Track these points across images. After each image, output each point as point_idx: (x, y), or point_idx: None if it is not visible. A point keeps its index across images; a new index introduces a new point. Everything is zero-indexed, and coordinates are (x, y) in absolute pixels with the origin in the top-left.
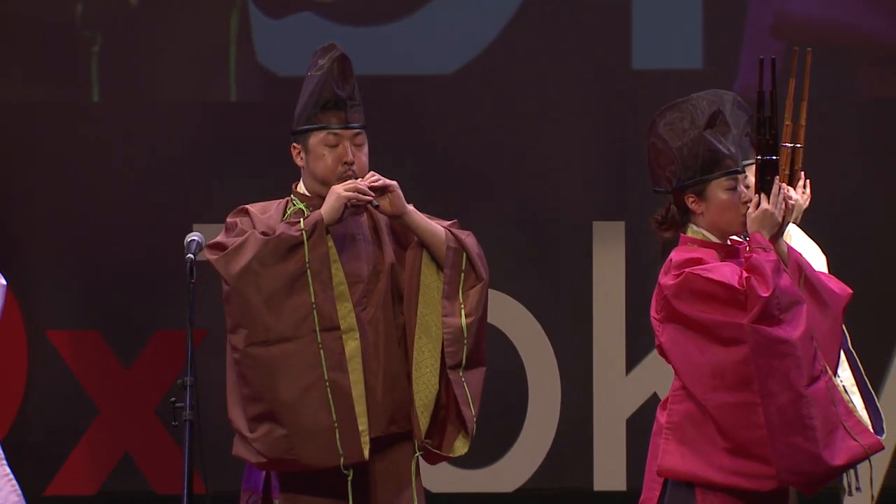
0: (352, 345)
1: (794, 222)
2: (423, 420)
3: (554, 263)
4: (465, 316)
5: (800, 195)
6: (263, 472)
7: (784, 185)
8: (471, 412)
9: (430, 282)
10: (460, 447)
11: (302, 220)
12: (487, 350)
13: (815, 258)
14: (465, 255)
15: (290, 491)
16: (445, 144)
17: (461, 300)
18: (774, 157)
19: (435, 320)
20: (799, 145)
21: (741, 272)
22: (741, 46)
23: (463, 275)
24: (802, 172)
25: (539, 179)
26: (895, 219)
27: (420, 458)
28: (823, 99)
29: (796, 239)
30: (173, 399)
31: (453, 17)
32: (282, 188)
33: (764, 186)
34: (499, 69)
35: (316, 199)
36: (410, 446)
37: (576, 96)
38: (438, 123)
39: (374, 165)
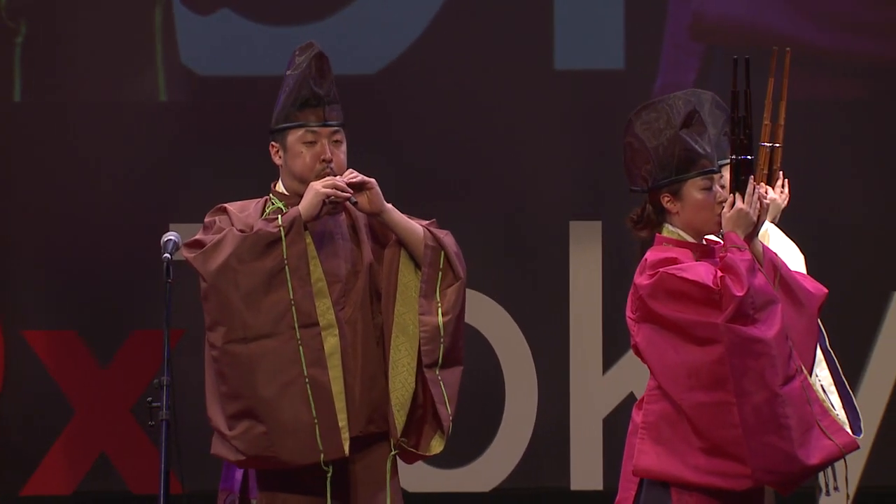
0: (331, 341)
1: (772, 221)
2: (399, 419)
3: (531, 263)
4: (442, 315)
5: (778, 194)
6: (241, 472)
7: (762, 184)
8: (447, 411)
9: (408, 280)
10: (436, 446)
11: (280, 216)
12: (465, 349)
13: (794, 257)
14: (442, 253)
15: (268, 490)
16: (363, 143)
17: (438, 299)
18: (749, 157)
19: (412, 319)
20: (777, 145)
21: (716, 272)
22: (661, 47)
23: (440, 273)
24: (781, 172)
25: (516, 179)
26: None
27: (397, 457)
28: None
29: (774, 238)
30: (150, 399)
31: (376, 18)
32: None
33: (738, 186)
34: (421, 70)
35: (294, 198)
36: (388, 445)
37: (498, 97)
38: (360, 123)
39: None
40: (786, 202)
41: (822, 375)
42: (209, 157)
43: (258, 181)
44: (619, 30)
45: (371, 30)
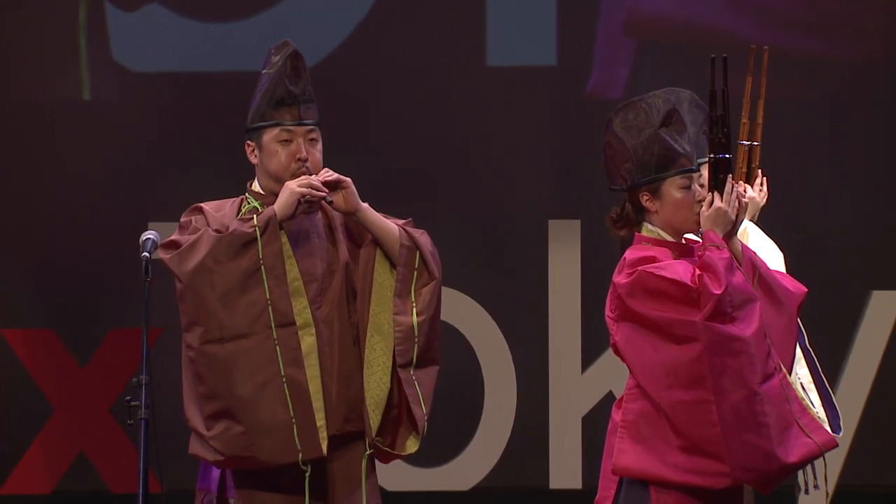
0: (308, 340)
1: (751, 220)
2: (374, 418)
3: (510, 262)
4: (417, 314)
5: (757, 192)
6: (218, 471)
7: (741, 182)
8: (422, 411)
9: (384, 280)
10: (411, 446)
11: (255, 216)
12: (443, 348)
13: (773, 256)
14: (418, 253)
15: (245, 488)
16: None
17: (413, 299)
18: (727, 156)
19: (387, 318)
20: (756, 143)
21: (694, 270)
22: (595, 43)
23: (416, 273)
24: (760, 170)
25: (495, 178)
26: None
27: (372, 456)
28: None
29: (753, 236)
30: (128, 398)
31: (307, 14)
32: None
33: (717, 185)
34: (353, 66)
35: (270, 197)
36: (365, 444)
37: (431, 93)
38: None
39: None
40: (765, 200)
41: (801, 374)
42: (184, 155)
43: (235, 180)
44: (551, 26)
45: (303, 26)
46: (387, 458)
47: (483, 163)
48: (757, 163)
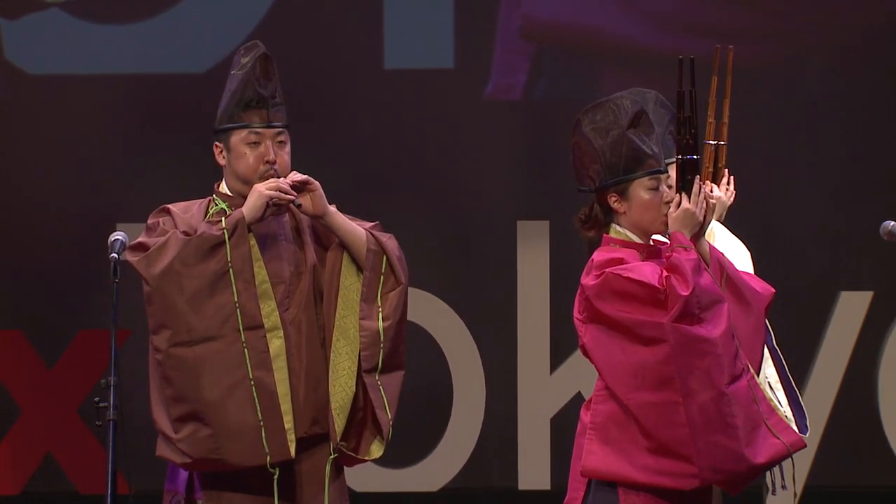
0: (276, 343)
1: (718, 219)
2: (339, 422)
3: (478, 263)
4: (383, 319)
5: (724, 192)
6: (186, 473)
7: (708, 182)
8: (387, 416)
9: (350, 283)
10: (375, 451)
11: (223, 219)
12: (411, 349)
13: (740, 255)
14: (385, 258)
15: (213, 490)
16: (196, 142)
17: (379, 303)
18: (695, 157)
19: (353, 322)
20: (722, 142)
21: (661, 271)
22: (493, 47)
23: (382, 278)
24: (727, 169)
25: (464, 179)
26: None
27: (337, 460)
28: (571, 100)
29: (721, 236)
30: (97, 399)
31: (204, 17)
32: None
33: (684, 186)
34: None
35: (238, 199)
36: (331, 447)
37: (329, 96)
38: (188, 122)
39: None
40: (731, 200)
41: (769, 373)
42: (153, 155)
43: (201, 181)
44: (448, 29)
45: (200, 29)
46: (351, 462)
47: (452, 164)
48: (724, 162)
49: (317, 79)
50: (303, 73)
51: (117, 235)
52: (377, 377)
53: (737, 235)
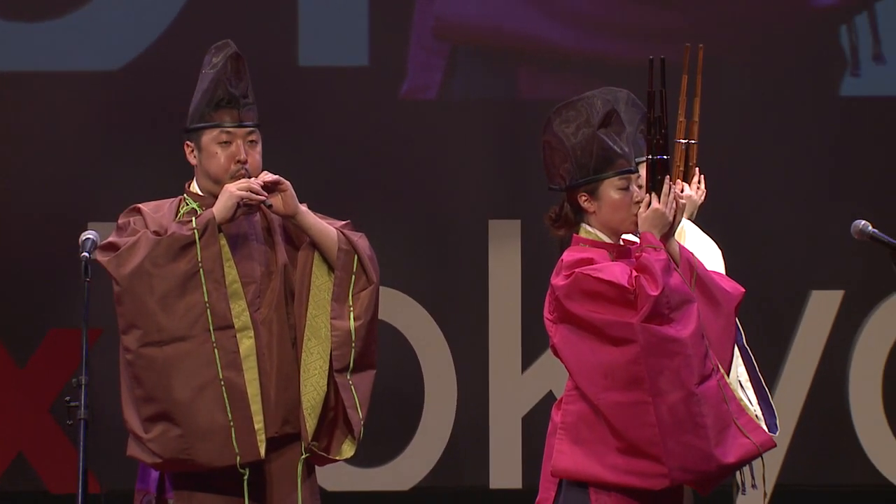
0: (246, 343)
1: (689, 218)
2: (310, 422)
3: (450, 261)
4: (354, 319)
5: (694, 191)
6: (158, 472)
7: (679, 181)
8: (358, 416)
9: (321, 283)
10: (347, 450)
11: (194, 219)
12: (383, 348)
13: (711, 253)
14: (356, 257)
15: (184, 490)
16: (117, 140)
17: (350, 303)
18: (665, 157)
19: (324, 322)
20: (693, 141)
21: (631, 272)
22: (408, 45)
23: (353, 277)
24: (697, 168)
25: (435, 178)
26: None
27: (308, 459)
28: (487, 99)
29: (692, 235)
30: (68, 398)
31: (117, 14)
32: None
33: (654, 186)
34: (166, 65)
35: (209, 199)
36: (302, 447)
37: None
38: (104, 119)
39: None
40: (702, 198)
41: (739, 372)
42: (128, 154)
43: (175, 180)
44: (363, 27)
45: (114, 25)
46: (322, 462)
47: (423, 163)
48: (694, 161)
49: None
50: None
51: (88, 234)
52: (349, 377)
53: (708, 234)
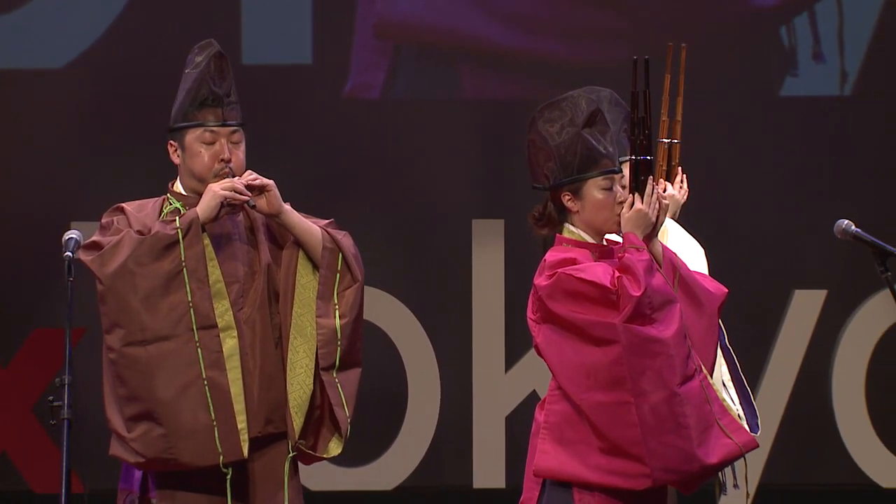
0: (230, 343)
1: (672, 217)
2: (296, 421)
3: (434, 261)
4: (340, 317)
5: (677, 190)
6: (140, 472)
7: (662, 180)
8: (345, 414)
9: (306, 282)
10: (334, 448)
11: (178, 218)
12: (366, 348)
13: (694, 253)
14: (340, 255)
15: (167, 489)
16: (60, 138)
17: (336, 301)
18: (648, 158)
19: (310, 320)
20: (676, 140)
21: (613, 272)
22: (351, 44)
23: (338, 275)
24: (680, 167)
25: (419, 178)
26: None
27: (295, 458)
28: (431, 98)
29: (675, 234)
30: (51, 398)
31: (60, 12)
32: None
33: (638, 186)
34: (109, 63)
35: (192, 198)
36: (287, 446)
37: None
38: (43, 118)
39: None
40: (685, 198)
41: (721, 371)
42: (111, 154)
43: (158, 180)
44: (306, 25)
45: (56, 24)
46: (309, 460)
47: (407, 163)
48: (677, 160)
49: (174, 74)
50: (160, 68)
51: (72, 234)
52: (335, 375)
53: (691, 234)
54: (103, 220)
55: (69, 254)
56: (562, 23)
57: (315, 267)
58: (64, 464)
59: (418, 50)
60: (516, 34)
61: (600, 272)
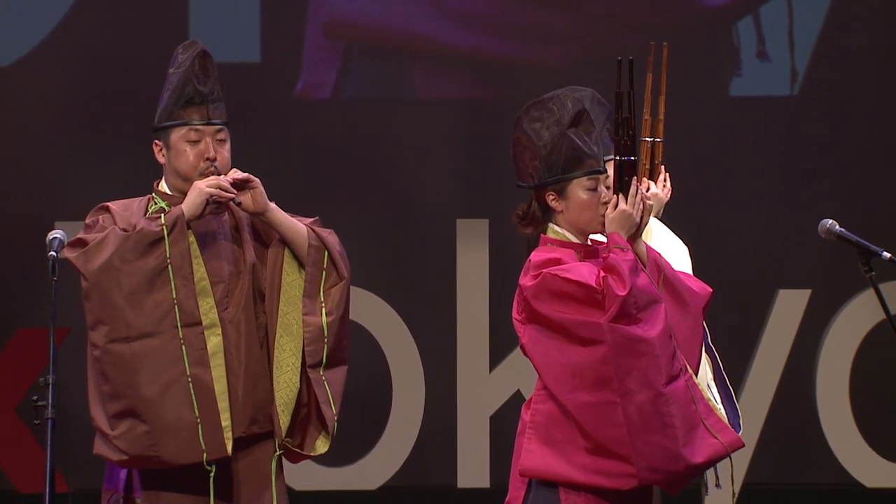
0: (214, 340)
1: (655, 216)
2: (283, 419)
3: (418, 261)
4: (326, 315)
5: (660, 189)
6: (125, 472)
7: (645, 179)
8: (331, 411)
9: (292, 280)
10: (321, 446)
11: (163, 215)
12: (351, 347)
13: (678, 252)
14: (326, 253)
15: (152, 489)
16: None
17: (322, 299)
18: (632, 158)
19: (296, 319)
20: (659, 139)
21: (598, 272)
22: (302, 43)
23: (324, 273)
24: (663, 166)
25: (404, 177)
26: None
27: (282, 456)
28: (386, 98)
29: (659, 234)
30: (35, 397)
31: (6, 10)
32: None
33: (622, 187)
34: (57, 62)
35: (178, 197)
36: (272, 445)
37: (135, 90)
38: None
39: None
40: (668, 197)
41: (706, 371)
42: (96, 154)
43: (143, 180)
44: (255, 24)
45: (3, 21)
46: (296, 459)
47: (392, 163)
48: (660, 159)
49: (123, 73)
50: (108, 67)
51: (56, 234)
52: (321, 372)
53: (675, 233)
54: (88, 219)
55: (53, 253)
56: (513, 22)
57: (301, 265)
58: (48, 463)
59: (370, 49)
60: (467, 33)
61: (585, 272)
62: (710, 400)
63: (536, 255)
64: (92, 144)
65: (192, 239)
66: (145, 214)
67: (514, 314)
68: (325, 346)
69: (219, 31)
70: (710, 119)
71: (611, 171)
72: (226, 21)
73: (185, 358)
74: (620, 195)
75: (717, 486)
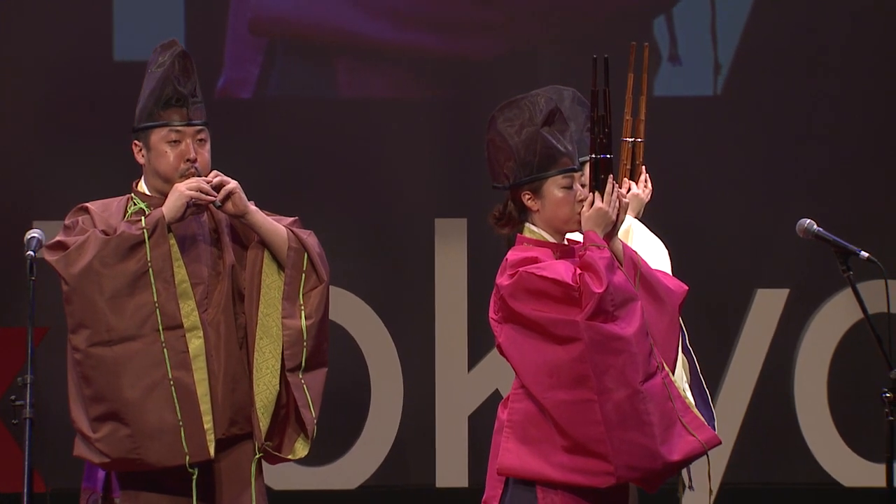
0: (196, 343)
1: (635, 216)
2: (263, 421)
3: (396, 260)
4: (306, 318)
5: (641, 189)
6: (104, 471)
7: (626, 179)
8: (311, 414)
9: (272, 282)
10: (300, 449)
11: (143, 218)
12: (330, 347)
13: (657, 252)
14: (306, 255)
15: (131, 489)
16: None
17: (301, 302)
18: (608, 156)
19: (276, 321)
20: (639, 139)
21: (575, 270)
22: (224, 41)
23: (304, 276)
24: (643, 166)
25: (381, 177)
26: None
27: (261, 459)
28: (306, 96)
29: (638, 233)
30: (13, 397)
31: None
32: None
33: (598, 185)
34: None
35: (157, 198)
36: (251, 446)
37: (58, 89)
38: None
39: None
40: (649, 197)
41: (681, 371)
42: (72, 154)
43: (122, 180)
44: (179, 21)
45: None
46: (275, 461)
47: (369, 162)
48: (641, 159)
49: (47, 71)
50: (39, 63)
51: (34, 233)
52: (300, 375)
53: (654, 232)
54: (67, 221)
55: (31, 253)
56: (435, 16)
57: (280, 267)
58: (26, 463)
59: (293, 45)
60: (390, 28)
61: (562, 270)
62: (686, 398)
63: (513, 255)
64: (69, 144)
65: (172, 241)
66: (125, 215)
67: (491, 314)
68: (305, 349)
69: (143, 28)
70: (689, 118)
71: (588, 171)
72: (150, 18)
73: (167, 361)
74: (597, 193)
75: (691, 488)
